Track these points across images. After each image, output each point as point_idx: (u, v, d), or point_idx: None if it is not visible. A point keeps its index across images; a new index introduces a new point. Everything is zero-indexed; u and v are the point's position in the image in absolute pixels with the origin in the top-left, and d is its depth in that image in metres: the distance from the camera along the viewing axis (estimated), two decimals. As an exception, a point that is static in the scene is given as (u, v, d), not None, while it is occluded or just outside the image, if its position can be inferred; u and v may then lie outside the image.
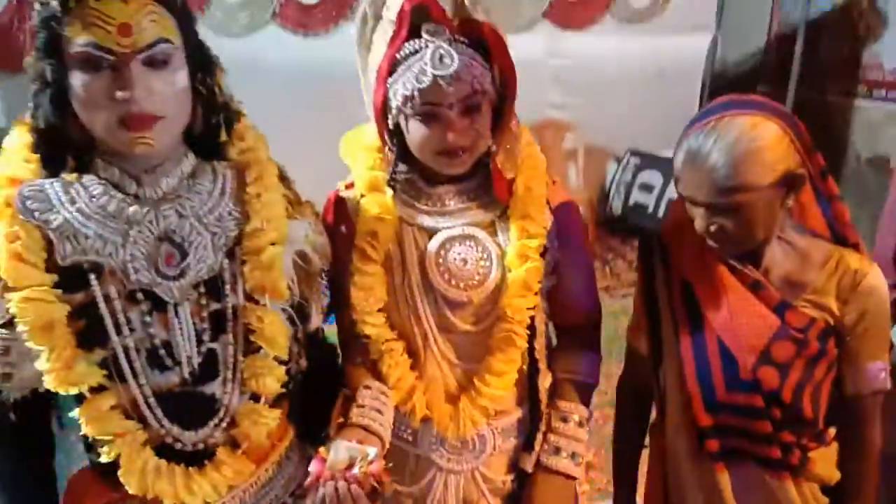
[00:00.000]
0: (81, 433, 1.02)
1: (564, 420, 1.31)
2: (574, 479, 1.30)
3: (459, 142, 1.12)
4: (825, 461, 1.23)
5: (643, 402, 1.37)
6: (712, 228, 1.11)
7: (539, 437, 1.30)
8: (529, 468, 1.30)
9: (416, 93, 1.09)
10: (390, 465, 1.09)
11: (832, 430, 1.23)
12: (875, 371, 1.18)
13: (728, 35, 5.09)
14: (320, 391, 1.21)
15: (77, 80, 0.92)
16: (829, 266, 1.16)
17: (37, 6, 0.93)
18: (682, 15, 4.89)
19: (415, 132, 1.14)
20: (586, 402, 1.34)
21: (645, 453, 1.42)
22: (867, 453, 1.22)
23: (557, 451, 1.29)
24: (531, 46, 4.77)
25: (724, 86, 5.34)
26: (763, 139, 1.06)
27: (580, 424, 1.31)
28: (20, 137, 1.00)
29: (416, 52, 1.10)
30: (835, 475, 1.23)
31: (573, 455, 1.29)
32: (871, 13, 4.31)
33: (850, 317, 1.15)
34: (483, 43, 1.13)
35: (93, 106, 0.92)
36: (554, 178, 1.29)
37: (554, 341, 1.40)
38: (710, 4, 5.07)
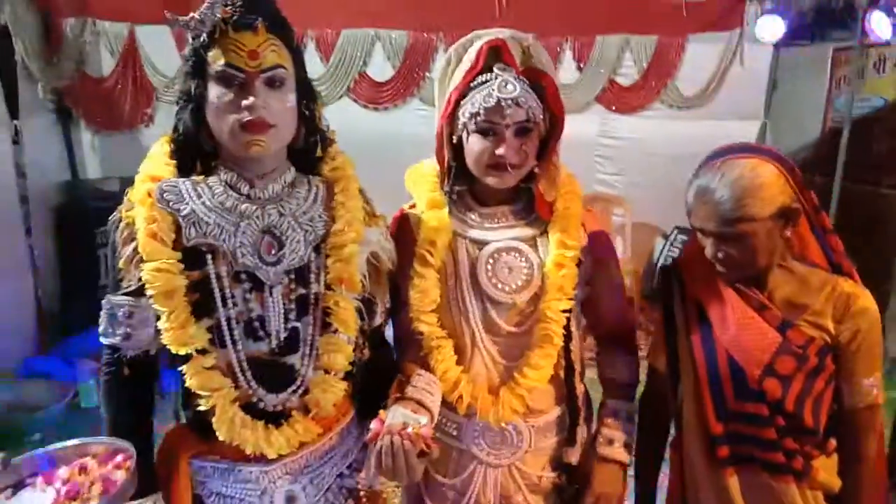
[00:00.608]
0: (181, 390, 1.24)
1: (615, 416, 1.48)
2: (626, 465, 1.46)
3: (510, 157, 1.33)
4: (827, 470, 1.33)
5: (662, 416, 1.51)
6: (720, 255, 1.28)
7: (579, 431, 1.47)
8: (574, 461, 1.46)
9: (481, 110, 1.32)
10: (437, 434, 1.25)
11: (833, 442, 1.34)
12: (867, 387, 1.30)
13: (783, 125, 5.31)
14: (378, 380, 1.38)
15: (214, 92, 1.18)
16: (826, 290, 1.30)
17: (189, 38, 1.20)
18: (730, 104, 5.18)
19: (474, 144, 1.36)
20: (632, 399, 1.52)
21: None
22: (864, 463, 1.33)
23: (611, 442, 1.46)
24: (584, 127, 5.09)
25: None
26: (762, 177, 1.24)
27: (629, 419, 1.48)
28: (162, 147, 1.27)
29: (486, 81, 1.34)
30: (836, 483, 1.33)
31: (625, 445, 1.46)
32: (923, 108, 4.46)
33: (845, 335, 1.29)
34: (541, 89, 1.36)
35: (223, 112, 1.17)
36: (588, 208, 1.49)
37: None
38: (759, 95, 5.33)
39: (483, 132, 1.34)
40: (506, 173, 1.36)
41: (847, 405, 1.32)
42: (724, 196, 1.24)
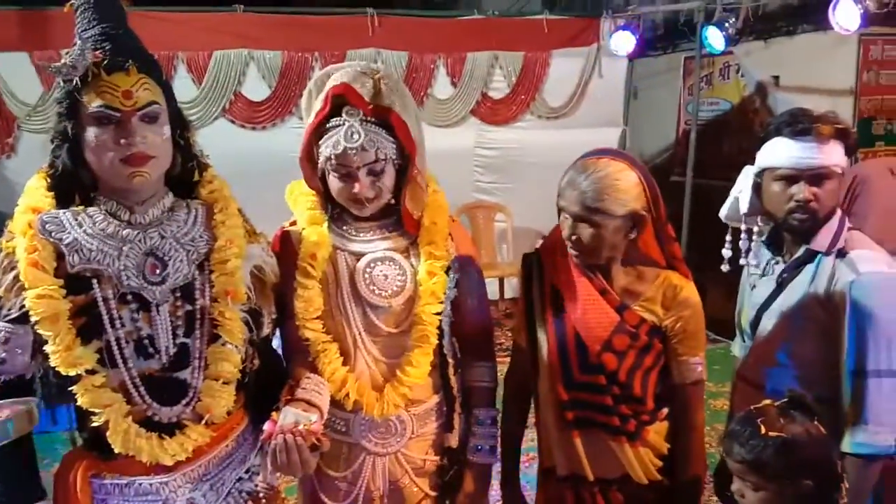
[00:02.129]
0: (75, 412, 1.28)
1: (480, 424, 1.65)
2: (490, 465, 1.65)
3: (364, 193, 1.48)
4: (657, 433, 1.56)
5: (524, 387, 1.68)
6: (573, 237, 1.47)
7: (456, 417, 1.63)
8: (454, 444, 1.63)
9: (332, 156, 1.47)
10: (327, 431, 1.36)
11: (665, 411, 1.57)
12: (692, 364, 1.53)
13: (643, 130, 5.77)
14: (269, 388, 1.47)
15: (91, 133, 1.24)
16: (658, 281, 1.53)
17: (60, 81, 1.25)
18: (592, 113, 5.60)
19: (333, 184, 1.51)
20: (493, 404, 1.69)
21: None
22: (692, 431, 1.56)
23: (477, 449, 1.64)
24: (462, 139, 5.34)
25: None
26: (623, 181, 1.44)
27: (493, 423, 1.66)
28: (39, 180, 1.32)
29: (337, 126, 1.47)
30: (664, 446, 1.56)
31: (490, 448, 1.64)
32: (763, 110, 5.01)
33: (671, 320, 1.52)
34: (390, 124, 1.49)
35: (103, 150, 1.24)
36: (454, 218, 1.66)
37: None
38: (618, 104, 5.80)
39: (339, 174, 1.49)
40: (363, 206, 1.51)
41: (677, 381, 1.55)
42: (588, 188, 1.43)
